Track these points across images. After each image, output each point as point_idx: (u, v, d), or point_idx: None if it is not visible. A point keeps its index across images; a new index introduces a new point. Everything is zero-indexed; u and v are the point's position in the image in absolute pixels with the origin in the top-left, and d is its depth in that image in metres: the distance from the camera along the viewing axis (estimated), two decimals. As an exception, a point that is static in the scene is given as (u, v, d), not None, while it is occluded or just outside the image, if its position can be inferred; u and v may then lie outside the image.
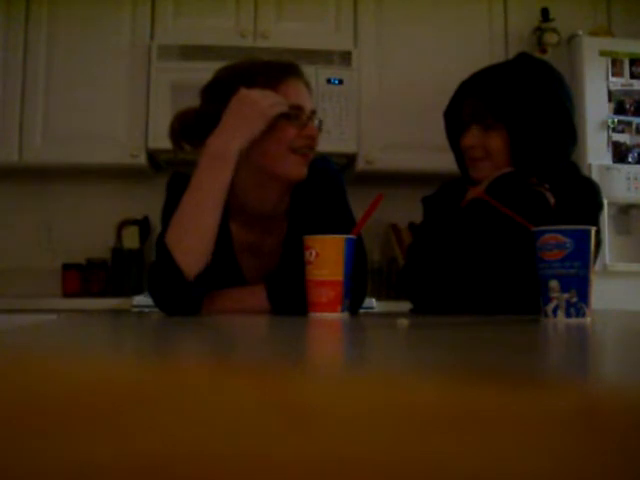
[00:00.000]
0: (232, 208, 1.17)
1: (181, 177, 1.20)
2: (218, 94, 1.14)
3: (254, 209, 1.17)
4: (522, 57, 1.29)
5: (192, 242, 1.04)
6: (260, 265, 1.21)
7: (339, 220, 1.21)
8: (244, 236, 1.11)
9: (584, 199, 1.22)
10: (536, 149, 1.21)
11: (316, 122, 1.16)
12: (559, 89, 1.23)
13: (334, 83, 2.51)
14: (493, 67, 1.28)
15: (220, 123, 1.08)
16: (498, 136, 1.22)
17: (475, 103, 1.24)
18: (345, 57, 2.55)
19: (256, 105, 1.06)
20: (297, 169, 1.13)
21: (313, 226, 1.14)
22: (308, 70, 2.46)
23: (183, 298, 1.04)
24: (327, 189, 1.22)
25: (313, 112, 1.15)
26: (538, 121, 1.20)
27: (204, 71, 2.48)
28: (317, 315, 1.03)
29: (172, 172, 1.25)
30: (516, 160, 1.21)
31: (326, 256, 1.03)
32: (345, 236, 1.04)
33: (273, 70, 1.15)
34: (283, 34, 2.56)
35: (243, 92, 1.08)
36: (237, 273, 1.19)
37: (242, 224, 1.19)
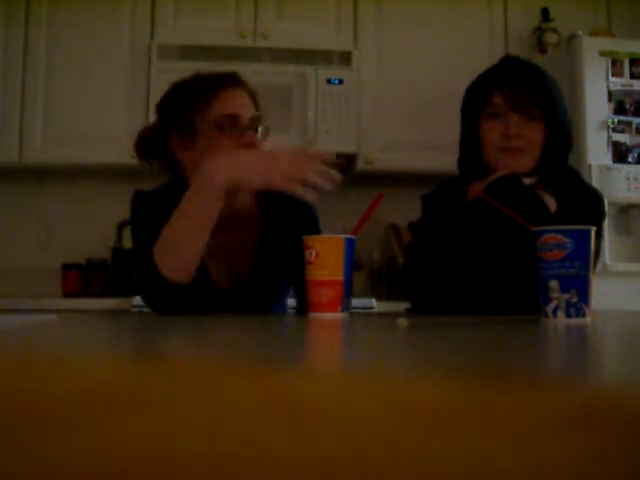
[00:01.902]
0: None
1: (143, 195, 1.23)
2: (162, 111, 1.19)
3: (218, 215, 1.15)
4: (519, 58, 1.30)
5: (178, 262, 1.06)
6: (228, 268, 1.22)
7: (309, 224, 1.25)
8: (211, 241, 1.09)
9: (588, 207, 1.22)
10: (562, 144, 1.22)
11: (261, 129, 1.17)
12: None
13: (334, 83, 2.51)
14: (516, 59, 1.27)
15: (225, 152, 1.08)
16: (540, 127, 1.21)
17: (518, 92, 1.20)
18: (345, 57, 2.55)
19: (274, 163, 1.03)
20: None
21: (285, 230, 1.19)
22: (308, 70, 2.49)
23: (174, 300, 1.07)
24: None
25: (255, 119, 1.16)
26: (563, 115, 1.22)
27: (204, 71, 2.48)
28: (317, 315, 1.03)
29: (134, 192, 1.26)
30: (546, 155, 1.21)
31: (326, 256, 1.03)
32: (345, 236, 1.04)
33: (208, 82, 1.16)
34: (283, 34, 2.56)
35: (280, 148, 1.07)
36: (205, 277, 1.17)
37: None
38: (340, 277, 1.03)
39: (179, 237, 1.06)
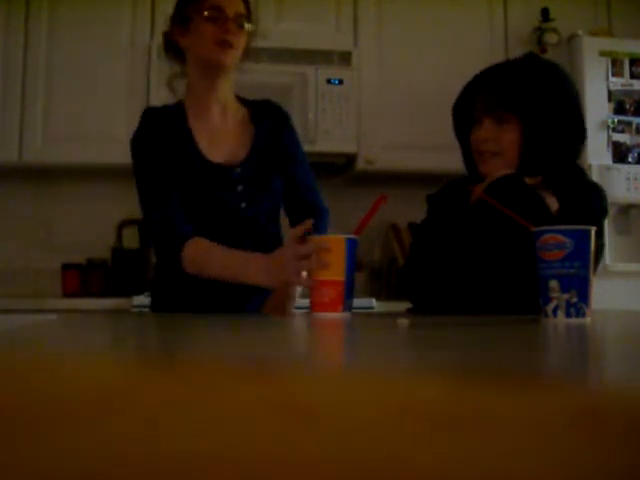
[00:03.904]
0: (188, 100, 1.40)
1: (152, 111, 1.43)
2: (174, 13, 1.41)
3: (204, 94, 1.39)
4: (532, 55, 1.30)
5: (200, 271, 1.27)
6: (220, 148, 1.37)
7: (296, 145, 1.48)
8: (202, 125, 1.36)
9: (590, 203, 1.21)
10: (547, 145, 1.21)
11: (247, 25, 1.35)
12: (570, 88, 1.25)
13: (334, 83, 2.51)
14: (506, 63, 1.28)
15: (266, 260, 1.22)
16: (511, 130, 1.21)
17: (489, 96, 1.23)
18: (345, 57, 2.55)
19: (284, 268, 1.14)
20: (217, 55, 1.32)
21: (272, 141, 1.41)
22: (308, 70, 2.49)
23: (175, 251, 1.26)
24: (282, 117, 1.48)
25: (240, 15, 1.34)
26: (550, 116, 1.20)
27: (204, 71, 2.48)
28: (318, 315, 1.03)
29: (145, 108, 1.48)
30: (526, 157, 1.21)
31: (327, 256, 1.03)
32: (346, 236, 1.04)
33: None
34: (283, 34, 2.56)
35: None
36: (200, 159, 1.34)
37: (198, 115, 1.39)
38: (341, 277, 1.03)
39: (213, 268, 1.25)
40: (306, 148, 2.46)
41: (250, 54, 1.43)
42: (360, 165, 2.57)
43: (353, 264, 1.06)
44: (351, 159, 2.58)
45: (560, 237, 0.90)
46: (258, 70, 2.47)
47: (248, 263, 1.22)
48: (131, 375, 0.22)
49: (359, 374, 0.25)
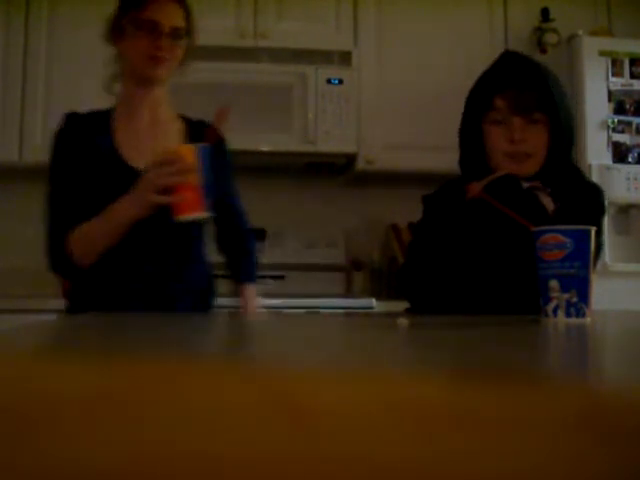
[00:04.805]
0: (119, 104, 1.42)
1: (74, 116, 1.46)
2: (112, 20, 1.39)
3: (134, 100, 1.40)
4: (523, 54, 1.29)
5: (89, 250, 1.29)
6: (145, 154, 1.34)
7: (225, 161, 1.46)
8: (128, 130, 1.37)
9: (588, 202, 1.21)
10: (567, 148, 1.21)
11: (183, 41, 1.35)
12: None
13: (334, 83, 2.51)
14: (515, 62, 1.24)
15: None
16: (542, 131, 1.19)
17: (519, 95, 1.19)
18: (345, 57, 2.55)
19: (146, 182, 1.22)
20: (148, 69, 1.33)
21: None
22: (308, 70, 2.49)
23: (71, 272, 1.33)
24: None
25: (175, 29, 1.33)
26: (567, 116, 1.20)
27: (204, 71, 2.49)
28: (182, 217, 1.18)
29: (67, 112, 1.47)
30: (551, 158, 1.20)
31: (182, 166, 1.16)
32: (198, 144, 1.19)
33: None
34: (283, 34, 2.56)
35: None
36: (120, 164, 1.33)
37: (126, 120, 1.39)
38: (196, 182, 1.17)
39: (96, 235, 1.28)
40: (306, 148, 2.48)
41: (191, 56, 1.42)
42: (360, 165, 2.57)
43: (209, 169, 1.19)
44: (351, 159, 2.58)
45: (560, 237, 0.90)
46: (258, 70, 2.47)
47: (116, 208, 1.25)
48: (130, 375, 0.22)
49: (359, 374, 0.25)
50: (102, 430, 0.17)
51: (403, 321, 0.76)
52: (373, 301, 2.25)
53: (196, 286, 1.40)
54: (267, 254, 2.64)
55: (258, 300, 1.47)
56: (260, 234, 2.64)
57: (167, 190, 1.19)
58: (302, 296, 2.28)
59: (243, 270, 1.49)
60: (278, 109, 2.45)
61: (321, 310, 2.15)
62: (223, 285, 1.56)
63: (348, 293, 2.69)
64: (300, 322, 0.98)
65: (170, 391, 0.21)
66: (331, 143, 2.47)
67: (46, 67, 2.50)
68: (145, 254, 1.34)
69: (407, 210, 2.59)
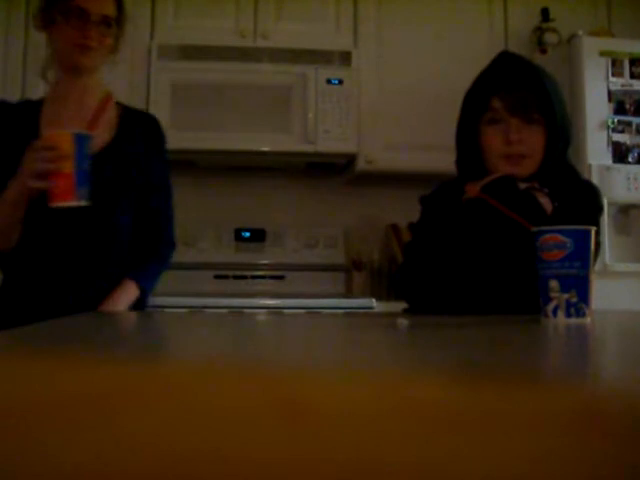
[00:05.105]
0: (50, 90, 1.39)
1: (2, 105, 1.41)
2: (41, 7, 1.37)
3: (64, 87, 1.37)
4: (520, 55, 1.29)
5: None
6: (59, 128, 1.30)
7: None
8: (55, 116, 1.35)
9: (585, 202, 1.21)
10: (563, 148, 1.21)
11: (113, 29, 1.35)
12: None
13: (334, 83, 2.51)
14: (511, 62, 1.24)
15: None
16: (540, 132, 1.19)
17: (517, 96, 1.19)
18: (345, 57, 2.55)
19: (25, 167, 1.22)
20: (76, 58, 1.32)
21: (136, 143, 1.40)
22: (308, 70, 2.49)
23: None
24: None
25: (105, 17, 1.33)
26: (563, 116, 1.20)
27: (204, 71, 2.49)
28: (55, 204, 1.16)
29: None
30: (547, 159, 1.20)
31: (58, 152, 1.15)
32: (74, 131, 1.17)
33: None
34: (283, 34, 2.56)
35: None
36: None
37: (54, 106, 1.38)
38: (70, 170, 1.16)
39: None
40: (306, 148, 2.48)
41: (121, 45, 1.43)
42: (360, 165, 2.57)
43: (84, 157, 1.17)
44: (351, 159, 2.58)
45: (560, 237, 0.90)
46: (258, 70, 2.47)
47: (8, 186, 1.25)
48: (131, 375, 0.22)
49: (358, 374, 0.25)
50: (102, 430, 0.17)
51: (403, 321, 0.76)
52: (373, 301, 2.25)
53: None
54: (267, 254, 2.64)
55: (126, 301, 1.37)
56: (260, 234, 2.65)
57: (43, 175, 1.18)
58: (302, 296, 2.28)
59: (140, 268, 1.40)
60: (278, 109, 2.45)
61: (321, 310, 2.15)
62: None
63: (348, 293, 2.69)
64: (300, 322, 0.98)
65: (170, 391, 0.21)
66: (331, 143, 2.47)
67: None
68: (68, 254, 1.33)
69: (407, 210, 2.58)
